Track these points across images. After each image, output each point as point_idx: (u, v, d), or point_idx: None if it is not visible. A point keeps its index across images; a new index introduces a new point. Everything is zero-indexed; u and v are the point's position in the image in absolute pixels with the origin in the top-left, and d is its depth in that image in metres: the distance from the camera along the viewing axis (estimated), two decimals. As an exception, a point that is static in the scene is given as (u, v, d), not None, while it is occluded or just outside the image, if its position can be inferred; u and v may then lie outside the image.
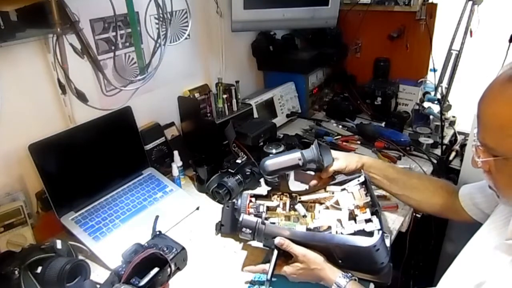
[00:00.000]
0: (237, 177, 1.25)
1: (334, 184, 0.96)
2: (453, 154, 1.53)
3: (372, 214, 0.86)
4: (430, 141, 1.49)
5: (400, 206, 1.17)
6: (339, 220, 0.89)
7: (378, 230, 0.82)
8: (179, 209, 1.20)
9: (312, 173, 1.04)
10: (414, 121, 1.67)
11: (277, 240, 0.84)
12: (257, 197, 0.96)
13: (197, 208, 1.23)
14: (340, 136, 1.60)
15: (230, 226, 1.01)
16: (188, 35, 1.43)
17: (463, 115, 1.70)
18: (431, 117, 1.60)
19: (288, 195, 0.97)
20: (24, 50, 1.02)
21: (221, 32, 1.56)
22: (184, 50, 1.46)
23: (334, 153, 1.02)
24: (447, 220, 1.12)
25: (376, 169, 1.04)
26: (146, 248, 0.91)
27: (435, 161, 1.44)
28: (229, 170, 1.26)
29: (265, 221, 0.89)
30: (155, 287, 0.87)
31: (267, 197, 0.96)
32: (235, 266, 1.00)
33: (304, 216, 0.92)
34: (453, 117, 1.69)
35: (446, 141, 1.56)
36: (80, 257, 1.00)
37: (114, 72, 1.14)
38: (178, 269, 0.98)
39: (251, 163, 1.32)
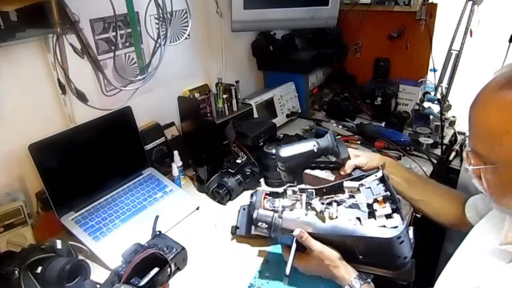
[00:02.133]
0: (237, 177, 1.25)
1: (351, 180, 0.92)
2: (453, 154, 1.52)
3: (393, 211, 0.82)
4: (430, 141, 1.49)
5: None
6: (358, 219, 0.85)
7: (403, 222, 0.79)
8: (179, 209, 1.20)
9: (324, 176, 1.03)
10: (414, 121, 1.67)
11: (297, 232, 0.82)
12: (272, 194, 0.93)
13: (197, 208, 1.23)
14: (340, 136, 1.60)
15: (246, 228, 1.00)
16: (188, 35, 1.43)
17: (463, 115, 1.70)
18: (431, 117, 1.60)
19: (304, 191, 0.93)
20: (24, 50, 1.02)
21: (221, 32, 1.55)
22: (184, 50, 1.46)
23: (356, 151, 1.01)
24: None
25: (396, 170, 1.02)
26: (146, 248, 0.91)
27: (435, 161, 1.44)
28: (229, 170, 1.27)
29: (282, 215, 0.86)
30: (155, 287, 0.87)
31: (282, 194, 0.93)
32: (235, 266, 1.00)
33: (321, 212, 0.88)
34: (453, 117, 1.69)
35: (446, 141, 1.56)
36: (80, 257, 1.00)
37: (114, 72, 1.14)
38: (178, 269, 0.98)
39: (251, 163, 1.32)
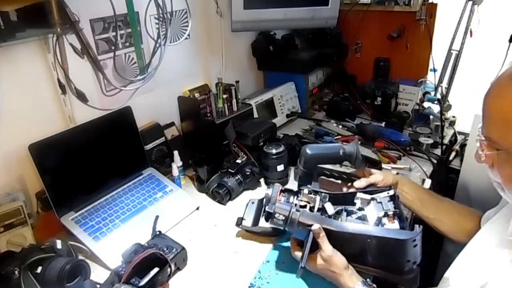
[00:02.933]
0: (237, 177, 1.25)
1: (363, 192, 0.94)
2: (453, 154, 1.53)
3: (400, 228, 0.84)
4: (430, 141, 1.49)
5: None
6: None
7: (419, 225, 0.80)
8: (179, 209, 1.20)
9: (340, 183, 1.04)
10: (414, 121, 1.67)
11: (315, 227, 0.82)
12: (287, 191, 0.94)
13: (197, 208, 1.23)
14: (340, 136, 1.60)
15: (253, 220, 1.01)
16: (188, 35, 1.43)
17: (463, 115, 1.70)
18: (431, 117, 1.60)
19: (318, 193, 0.94)
20: (24, 50, 1.02)
21: (221, 32, 1.56)
22: (184, 50, 1.46)
23: (372, 169, 1.04)
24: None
25: (410, 188, 1.03)
26: (146, 248, 0.91)
27: (435, 161, 1.44)
28: (229, 170, 1.27)
29: (301, 209, 0.87)
30: (155, 287, 0.87)
31: (297, 193, 0.94)
32: (235, 266, 1.00)
33: (332, 216, 0.89)
34: (453, 117, 1.69)
35: (446, 141, 1.56)
36: (80, 257, 1.00)
37: (114, 72, 1.14)
38: (178, 269, 0.98)
39: (251, 163, 1.32)
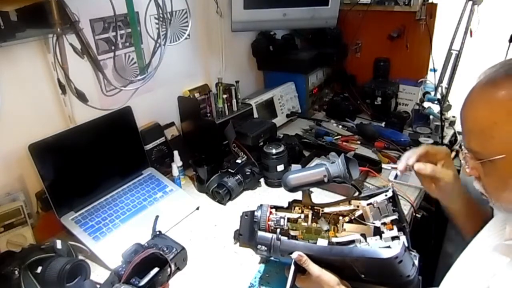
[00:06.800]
0: (237, 177, 1.25)
1: (361, 198, 0.91)
2: (453, 154, 1.52)
3: (399, 230, 0.82)
4: (430, 141, 1.49)
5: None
6: (363, 235, 0.85)
7: (399, 241, 0.79)
8: (179, 209, 1.20)
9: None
10: (414, 121, 1.67)
11: (295, 255, 0.81)
12: (278, 208, 0.92)
13: (197, 208, 1.23)
14: (340, 136, 1.60)
15: (248, 236, 0.97)
16: (188, 35, 1.43)
17: (463, 115, 1.70)
18: (431, 117, 1.60)
19: (310, 207, 0.92)
20: (24, 50, 1.02)
21: (221, 32, 1.56)
22: (184, 50, 1.46)
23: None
24: (447, 220, 1.12)
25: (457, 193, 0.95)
26: (146, 248, 0.91)
27: (435, 161, 1.44)
28: (229, 170, 1.27)
29: (280, 237, 0.85)
30: (155, 287, 0.87)
31: (288, 208, 0.92)
32: (235, 266, 1.00)
33: (327, 230, 0.88)
34: (453, 117, 1.69)
35: (446, 141, 1.56)
36: (80, 257, 1.00)
37: (114, 72, 1.14)
38: (178, 269, 0.97)
39: (251, 163, 1.32)
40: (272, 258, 1.00)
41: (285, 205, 0.93)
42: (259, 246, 0.85)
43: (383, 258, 0.73)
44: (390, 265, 0.74)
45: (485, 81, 0.68)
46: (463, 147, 0.72)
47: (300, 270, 0.83)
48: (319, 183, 0.90)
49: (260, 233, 0.87)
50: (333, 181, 0.91)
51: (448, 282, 0.82)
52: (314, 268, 0.81)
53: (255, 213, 0.90)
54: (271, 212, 0.91)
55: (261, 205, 0.92)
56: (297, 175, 0.91)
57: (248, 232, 0.97)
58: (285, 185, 0.91)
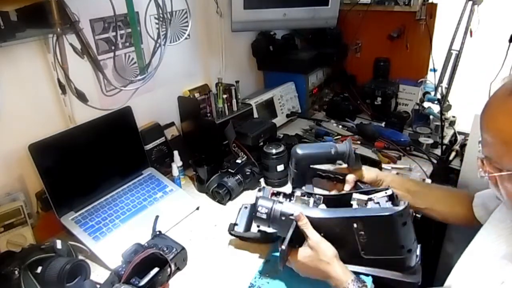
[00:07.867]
0: (237, 177, 1.25)
1: (360, 193, 0.92)
2: (453, 154, 1.52)
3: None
4: (430, 141, 1.49)
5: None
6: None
7: (403, 202, 0.79)
8: (179, 209, 1.20)
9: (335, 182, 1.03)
10: (414, 121, 1.67)
11: (297, 212, 0.80)
12: (280, 194, 0.93)
13: (197, 208, 1.23)
14: (340, 136, 1.60)
15: (244, 226, 0.99)
16: (188, 35, 1.43)
17: (463, 115, 1.70)
18: (431, 117, 1.60)
19: (311, 195, 0.93)
20: (24, 50, 1.02)
21: (221, 32, 1.55)
22: (184, 50, 1.46)
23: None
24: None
25: (398, 184, 1.02)
26: (146, 248, 0.91)
27: (435, 161, 1.44)
28: (229, 170, 1.27)
29: (283, 200, 0.85)
30: (155, 287, 0.87)
31: (290, 196, 0.93)
32: (235, 266, 1.00)
33: None
34: (453, 117, 1.69)
35: (446, 141, 1.56)
36: (80, 257, 1.00)
37: (114, 72, 1.14)
38: (178, 269, 0.97)
39: (251, 163, 1.32)
40: (272, 258, 1.00)
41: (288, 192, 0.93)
42: (259, 208, 0.84)
43: (388, 214, 0.73)
44: (394, 226, 0.74)
45: (507, 91, 0.65)
46: (480, 153, 0.71)
47: (296, 242, 0.81)
48: (326, 158, 0.91)
49: (262, 198, 0.86)
50: (332, 176, 0.92)
51: (451, 284, 0.82)
52: (313, 233, 0.80)
53: (257, 195, 0.90)
54: (272, 195, 0.91)
55: (263, 187, 0.92)
56: (305, 145, 0.92)
57: (244, 223, 0.97)
58: (294, 154, 0.91)
